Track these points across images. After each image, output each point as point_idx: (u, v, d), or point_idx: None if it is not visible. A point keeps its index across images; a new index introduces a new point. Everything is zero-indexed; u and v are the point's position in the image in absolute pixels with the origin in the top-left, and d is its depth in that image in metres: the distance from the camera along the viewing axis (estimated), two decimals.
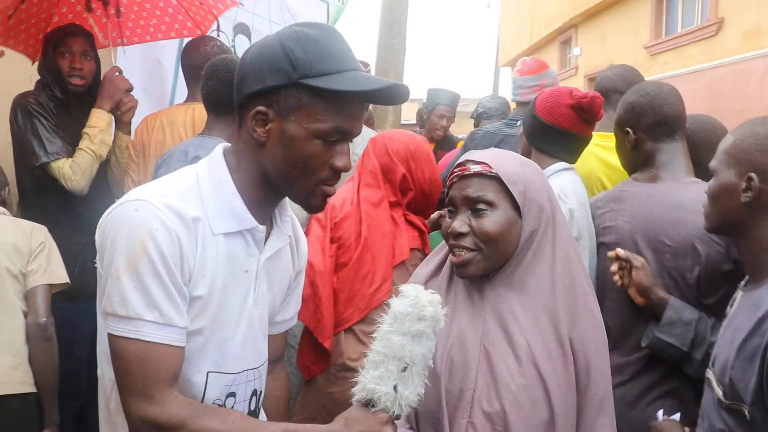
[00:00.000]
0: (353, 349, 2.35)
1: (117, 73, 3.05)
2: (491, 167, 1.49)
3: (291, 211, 1.50)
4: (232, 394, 1.41)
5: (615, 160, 2.62)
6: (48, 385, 2.41)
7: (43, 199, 2.92)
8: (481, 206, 1.47)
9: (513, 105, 4.27)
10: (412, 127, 7.64)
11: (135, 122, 3.14)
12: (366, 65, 5.66)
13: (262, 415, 1.56)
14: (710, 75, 10.42)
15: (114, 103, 3.01)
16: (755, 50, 9.50)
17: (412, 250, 2.46)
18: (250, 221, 1.35)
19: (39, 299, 2.41)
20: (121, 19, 3.40)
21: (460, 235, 1.48)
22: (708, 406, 1.58)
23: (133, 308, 1.22)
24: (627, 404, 2.01)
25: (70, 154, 2.87)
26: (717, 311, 1.90)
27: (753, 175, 1.51)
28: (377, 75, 9.13)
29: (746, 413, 1.42)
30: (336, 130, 1.28)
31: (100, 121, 2.94)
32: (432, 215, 2.67)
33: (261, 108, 1.29)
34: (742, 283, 1.62)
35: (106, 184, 3.13)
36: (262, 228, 1.38)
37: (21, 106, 2.89)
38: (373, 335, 1.28)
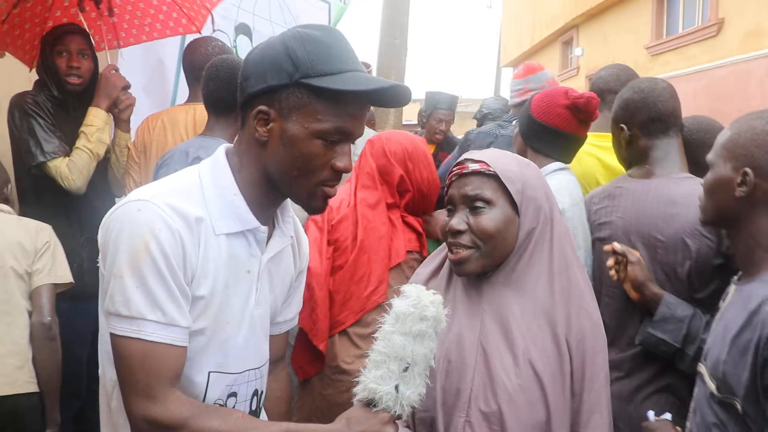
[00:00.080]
0: (347, 352, 2.35)
1: (113, 71, 3.04)
2: (489, 166, 1.50)
3: (293, 212, 1.51)
4: (234, 394, 1.41)
5: (612, 160, 2.63)
6: (51, 384, 2.42)
7: (41, 198, 2.91)
8: (479, 204, 1.48)
9: None
10: (414, 128, 7.65)
11: (137, 122, 3.14)
12: (367, 66, 5.68)
13: (263, 415, 1.57)
14: (711, 75, 10.44)
15: (111, 101, 3.00)
16: (756, 50, 9.51)
17: (408, 252, 2.46)
18: (252, 222, 1.35)
19: (44, 299, 2.42)
20: (116, 20, 3.40)
21: (458, 233, 1.49)
22: (700, 400, 1.59)
23: (136, 308, 1.22)
24: (623, 399, 2.02)
25: (68, 154, 2.86)
26: (709, 305, 1.92)
27: (748, 169, 1.52)
28: (378, 76, 9.14)
29: (738, 407, 1.43)
30: (336, 130, 1.29)
31: (96, 119, 2.93)
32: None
33: (262, 107, 1.29)
34: (736, 277, 1.62)
35: (104, 183, 3.13)
36: (264, 228, 1.38)
37: (18, 106, 2.89)
38: (372, 336, 1.28)
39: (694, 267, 1.99)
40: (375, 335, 1.27)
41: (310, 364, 2.40)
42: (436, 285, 1.59)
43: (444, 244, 1.61)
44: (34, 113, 2.86)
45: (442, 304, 1.27)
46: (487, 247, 1.47)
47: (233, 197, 1.34)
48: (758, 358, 1.38)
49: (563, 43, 17.62)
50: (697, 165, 2.12)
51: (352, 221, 2.38)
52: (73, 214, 2.94)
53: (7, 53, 3.27)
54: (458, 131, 6.48)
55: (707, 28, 10.89)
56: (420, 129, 6.13)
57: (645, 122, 2.16)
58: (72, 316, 2.70)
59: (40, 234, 2.49)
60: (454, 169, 1.56)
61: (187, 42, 3.34)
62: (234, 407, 1.40)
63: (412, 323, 1.23)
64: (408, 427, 1.52)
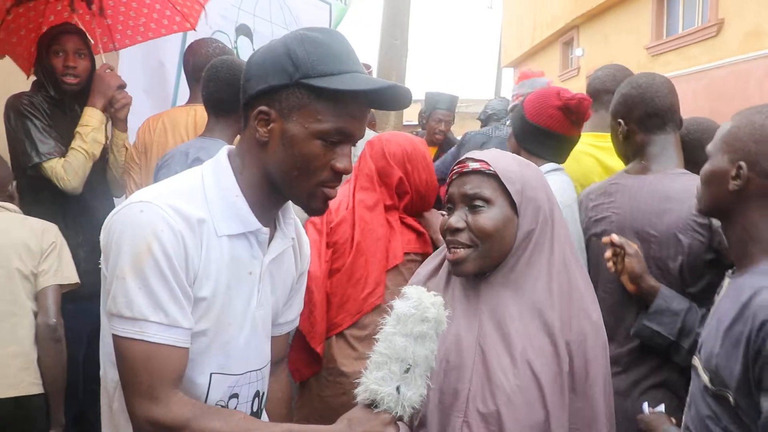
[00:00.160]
0: (344, 354, 2.35)
1: (108, 70, 3.02)
2: (490, 165, 1.50)
3: (294, 214, 1.51)
4: (235, 395, 1.41)
5: (611, 160, 2.64)
6: (56, 385, 2.42)
7: (38, 199, 2.90)
8: (478, 203, 1.49)
9: None
10: (414, 128, 7.66)
11: (137, 123, 3.14)
12: (368, 67, 5.68)
13: (264, 417, 1.57)
14: (711, 75, 10.45)
15: (106, 101, 2.98)
16: (755, 51, 9.51)
17: (406, 253, 2.46)
18: (254, 223, 1.36)
19: (49, 300, 2.41)
20: (111, 22, 3.39)
21: (457, 231, 1.50)
22: (695, 394, 1.60)
23: (139, 309, 1.23)
24: (620, 395, 2.03)
25: (63, 154, 2.85)
26: (701, 300, 1.95)
27: (742, 163, 1.53)
28: (379, 76, 9.15)
29: (731, 399, 1.44)
30: (336, 130, 1.29)
31: (92, 119, 2.92)
32: None
33: (263, 108, 1.30)
34: (730, 270, 1.63)
35: (102, 183, 3.12)
36: (266, 230, 1.39)
37: (14, 107, 2.88)
38: (370, 338, 1.28)
39: (686, 262, 2.01)
40: (373, 337, 1.28)
41: (307, 366, 2.40)
42: (434, 285, 1.59)
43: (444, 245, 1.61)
44: (29, 114, 2.85)
45: (443, 305, 1.27)
46: (484, 246, 1.48)
47: (235, 199, 1.34)
48: (750, 350, 1.39)
49: (564, 44, 17.62)
50: (695, 165, 2.13)
51: (350, 223, 2.38)
52: (70, 214, 2.93)
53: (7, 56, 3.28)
54: (458, 132, 6.48)
55: (707, 28, 10.90)
56: (420, 129, 6.15)
57: (642, 117, 2.17)
58: (68, 316, 2.70)
59: (46, 234, 2.48)
60: (455, 167, 1.56)
61: (188, 43, 3.34)
62: (235, 408, 1.40)
63: (414, 325, 1.23)
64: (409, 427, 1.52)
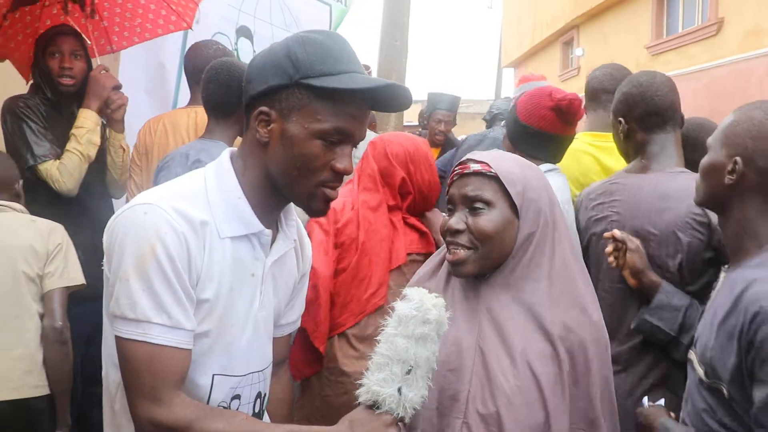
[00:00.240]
0: (346, 354, 2.36)
1: (103, 71, 3.01)
2: (491, 167, 1.50)
3: (296, 216, 1.51)
4: (237, 397, 1.42)
5: (610, 160, 2.64)
6: (61, 387, 2.42)
7: (35, 201, 2.89)
8: (479, 205, 1.48)
9: None
10: (415, 129, 7.66)
11: (138, 125, 3.14)
12: (367, 68, 5.68)
13: (266, 418, 1.57)
14: (711, 74, 10.45)
15: (101, 102, 2.97)
16: (755, 50, 9.52)
17: (409, 254, 2.46)
18: (257, 225, 1.36)
19: (55, 303, 2.41)
20: (107, 24, 3.38)
21: (457, 232, 1.49)
22: (691, 387, 1.61)
23: (142, 311, 1.23)
24: (622, 394, 2.03)
25: (59, 156, 2.85)
26: (701, 298, 1.95)
27: (738, 159, 1.54)
28: (379, 77, 9.14)
29: (725, 392, 1.45)
30: (336, 130, 1.29)
31: (87, 121, 2.91)
32: None
33: (264, 108, 1.31)
34: (726, 266, 1.64)
35: (99, 185, 3.12)
36: (268, 232, 1.39)
37: (9, 110, 2.88)
38: (371, 338, 1.29)
39: (685, 260, 2.02)
40: (375, 337, 1.28)
41: (308, 366, 2.41)
42: (434, 285, 1.59)
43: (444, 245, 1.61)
44: (25, 117, 2.85)
45: (444, 307, 1.28)
46: (484, 248, 1.48)
47: (237, 201, 1.35)
48: (743, 342, 1.40)
49: (564, 44, 17.62)
50: (694, 165, 2.14)
51: (356, 224, 2.39)
52: (68, 216, 2.91)
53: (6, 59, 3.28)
54: (458, 132, 6.48)
55: (707, 27, 10.90)
56: (421, 130, 6.15)
57: (642, 116, 2.18)
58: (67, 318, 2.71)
59: (52, 235, 2.47)
60: (456, 168, 1.56)
61: (188, 45, 3.35)
62: (237, 410, 1.41)
63: (415, 326, 1.24)
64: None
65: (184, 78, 3.33)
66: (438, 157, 5.02)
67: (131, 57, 3.79)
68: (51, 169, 2.82)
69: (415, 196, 2.49)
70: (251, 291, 1.39)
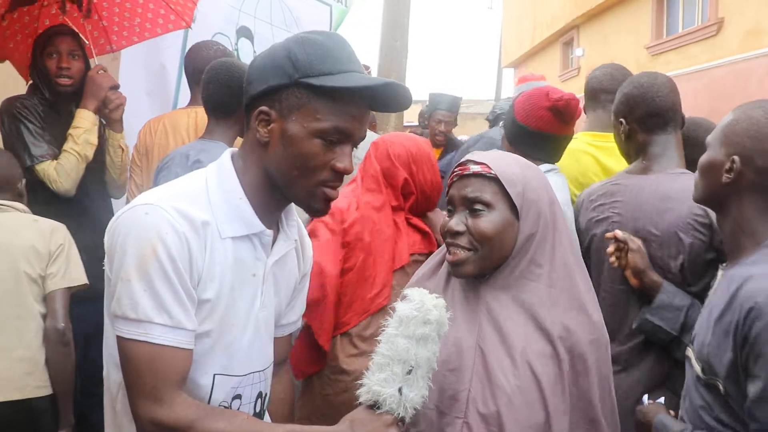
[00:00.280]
0: (347, 352, 2.37)
1: (101, 71, 3.01)
2: (491, 168, 1.50)
3: (297, 216, 1.52)
4: (238, 396, 1.42)
5: (609, 160, 2.65)
6: (64, 387, 2.42)
7: (34, 201, 2.90)
8: (478, 206, 1.48)
9: None
10: (415, 129, 7.66)
11: (139, 125, 3.14)
12: (367, 68, 5.68)
13: (267, 418, 1.57)
14: (711, 74, 10.46)
15: (99, 102, 2.97)
16: (755, 50, 9.52)
17: (412, 254, 2.47)
18: (258, 225, 1.36)
19: (58, 304, 2.41)
20: (106, 24, 3.39)
21: (456, 234, 1.49)
22: (689, 384, 1.62)
23: (143, 311, 1.23)
24: (622, 394, 2.03)
25: (56, 157, 2.85)
26: (702, 299, 1.96)
27: (736, 158, 1.55)
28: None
29: (721, 387, 1.46)
30: (335, 129, 1.30)
31: (84, 121, 2.91)
32: None
33: (264, 108, 1.31)
34: (724, 264, 1.65)
35: (97, 185, 3.12)
36: (270, 232, 1.40)
37: (7, 110, 2.88)
38: (373, 338, 1.29)
39: (687, 261, 2.02)
40: (376, 337, 1.28)
41: (311, 364, 2.41)
42: (434, 285, 1.59)
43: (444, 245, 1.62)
44: (22, 117, 2.86)
45: (444, 307, 1.28)
46: (484, 249, 1.48)
47: (239, 201, 1.35)
48: (738, 338, 1.41)
49: (564, 44, 17.62)
50: (691, 163, 2.14)
51: (362, 224, 2.40)
52: (66, 216, 2.90)
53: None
54: (458, 132, 6.49)
55: (707, 27, 10.90)
56: (421, 130, 6.15)
57: (643, 117, 2.18)
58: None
59: (54, 235, 2.47)
60: (456, 169, 1.56)
61: (188, 46, 3.35)
62: (238, 409, 1.41)
63: (416, 326, 1.24)
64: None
65: (184, 78, 3.33)
66: (439, 159, 5.02)
67: (132, 58, 3.79)
68: (48, 170, 2.82)
69: (417, 197, 2.50)
70: (252, 291, 1.40)
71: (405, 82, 10.72)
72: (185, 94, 3.38)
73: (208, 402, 1.36)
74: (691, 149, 2.22)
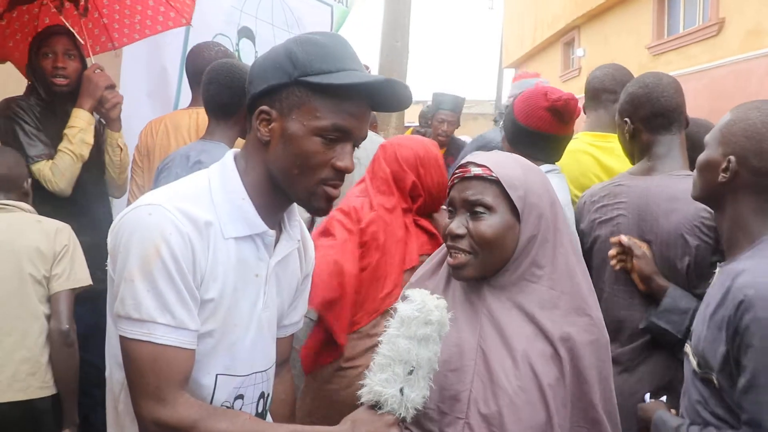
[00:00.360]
0: (355, 349, 2.38)
1: (97, 71, 3.00)
2: (492, 171, 1.49)
3: (299, 216, 1.52)
4: (241, 397, 1.42)
5: (610, 160, 2.65)
6: (68, 387, 2.42)
7: (34, 201, 2.92)
8: (479, 209, 1.47)
9: None
10: (416, 129, 7.65)
11: (140, 126, 3.14)
12: (367, 67, 5.67)
13: (268, 418, 1.58)
14: (712, 75, 10.45)
15: (95, 101, 2.96)
16: (756, 50, 9.52)
17: (421, 255, 2.48)
18: (261, 226, 1.37)
19: (62, 305, 2.41)
20: (107, 21, 3.39)
21: (457, 237, 1.49)
22: (687, 380, 1.64)
23: (147, 311, 1.24)
24: (623, 394, 2.03)
25: (52, 157, 2.85)
26: None
27: (732, 157, 1.57)
28: None
29: (715, 381, 1.47)
30: (335, 127, 1.30)
31: (79, 120, 2.91)
32: None
33: (264, 107, 1.32)
34: (722, 262, 1.67)
35: (98, 185, 3.12)
36: (272, 232, 1.40)
37: (2, 111, 2.89)
38: (379, 338, 1.29)
39: (693, 263, 2.03)
40: (378, 338, 1.29)
41: (322, 358, 2.42)
42: (434, 285, 1.59)
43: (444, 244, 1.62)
44: (18, 118, 2.86)
45: (446, 308, 1.28)
46: (485, 253, 1.47)
47: (241, 202, 1.35)
48: (729, 331, 1.43)
49: (565, 44, 17.61)
50: (691, 163, 2.15)
51: (377, 224, 2.42)
52: (65, 216, 2.90)
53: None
54: (459, 133, 6.48)
55: (708, 27, 10.89)
56: (421, 129, 6.14)
57: (648, 117, 2.19)
58: None
59: (58, 236, 2.47)
60: (457, 171, 1.55)
61: (189, 47, 3.35)
62: (241, 409, 1.42)
63: (417, 327, 1.25)
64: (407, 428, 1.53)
65: (185, 79, 3.33)
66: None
67: (133, 58, 3.80)
68: (43, 170, 2.82)
69: (425, 199, 2.53)
70: (255, 291, 1.40)
71: (406, 82, 10.71)
72: (186, 95, 3.39)
73: (211, 402, 1.36)
74: (693, 150, 2.23)
